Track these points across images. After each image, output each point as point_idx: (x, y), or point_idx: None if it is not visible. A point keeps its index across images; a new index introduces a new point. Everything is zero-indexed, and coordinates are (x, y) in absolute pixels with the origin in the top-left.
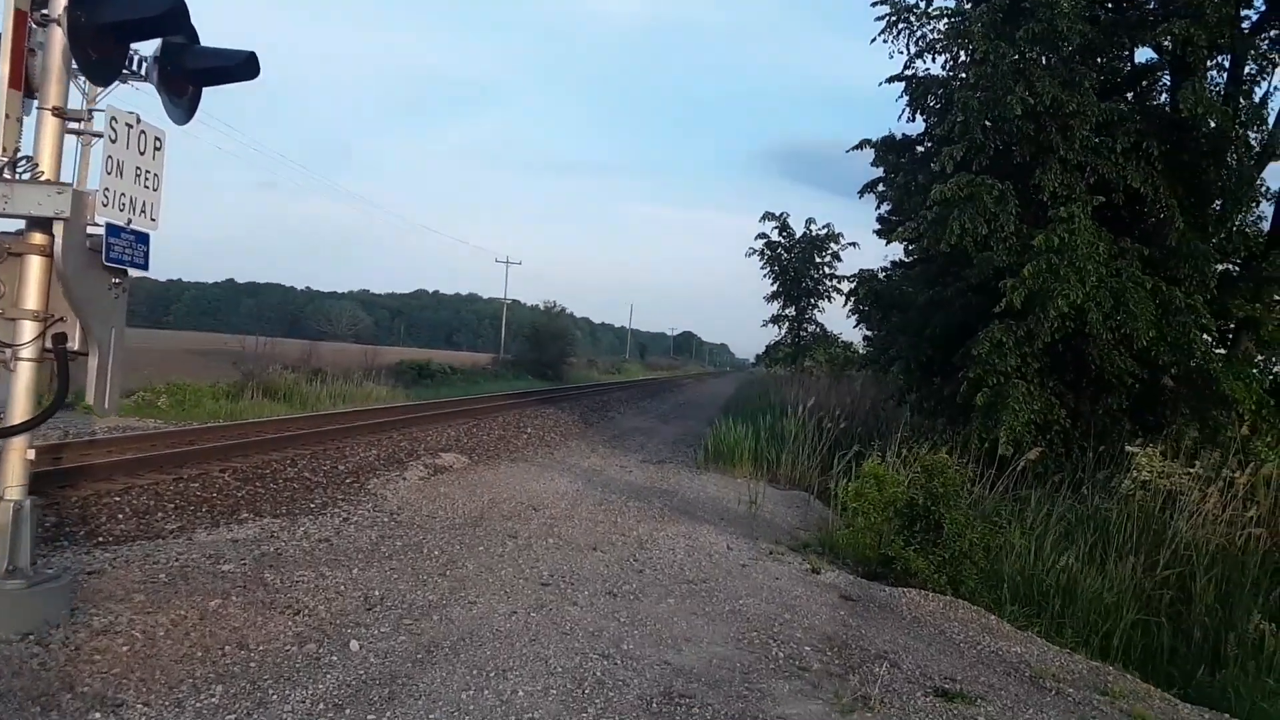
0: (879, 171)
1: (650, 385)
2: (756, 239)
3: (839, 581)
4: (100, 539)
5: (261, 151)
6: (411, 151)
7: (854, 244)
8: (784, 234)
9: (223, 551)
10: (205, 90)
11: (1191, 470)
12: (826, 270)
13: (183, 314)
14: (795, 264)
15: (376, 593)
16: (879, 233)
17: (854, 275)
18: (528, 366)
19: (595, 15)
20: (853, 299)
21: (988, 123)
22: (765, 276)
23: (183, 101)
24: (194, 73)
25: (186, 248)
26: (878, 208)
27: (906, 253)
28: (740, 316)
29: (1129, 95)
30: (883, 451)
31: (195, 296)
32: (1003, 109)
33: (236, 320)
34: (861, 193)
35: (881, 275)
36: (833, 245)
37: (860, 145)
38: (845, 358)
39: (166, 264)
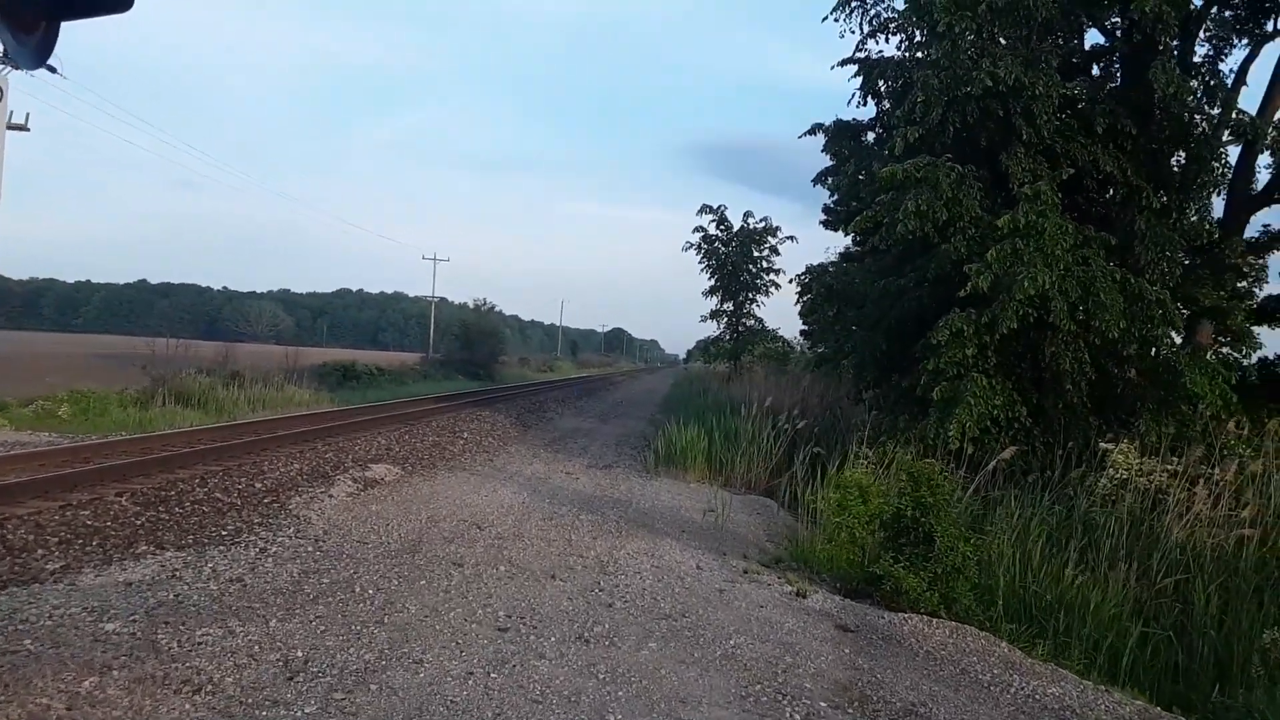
0: (810, 167)
1: (585, 383)
2: (693, 232)
3: (829, 607)
4: None
5: (176, 148)
6: (338, 149)
7: (792, 238)
8: (721, 227)
9: (110, 601)
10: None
11: (1170, 467)
12: (765, 264)
13: (92, 316)
14: (733, 258)
15: (299, 654)
16: (826, 223)
17: (804, 272)
18: (458, 366)
19: (527, 11)
20: (801, 294)
21: (948, 100)
22: (703, 271)
23: (31, 40)
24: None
25: (96, 248)
26: (830, 197)
27: (856, 244)
28: (669, 312)
29: (1085, 78)
30: (842, 452)
31: (106, 298)
32: (969, 85)
33: (150, 322)
34: (815, 181)
35: (830, 268)
36: (770, 239)
37: (813, 130)
38: (784, 353)
39: (75, 266)
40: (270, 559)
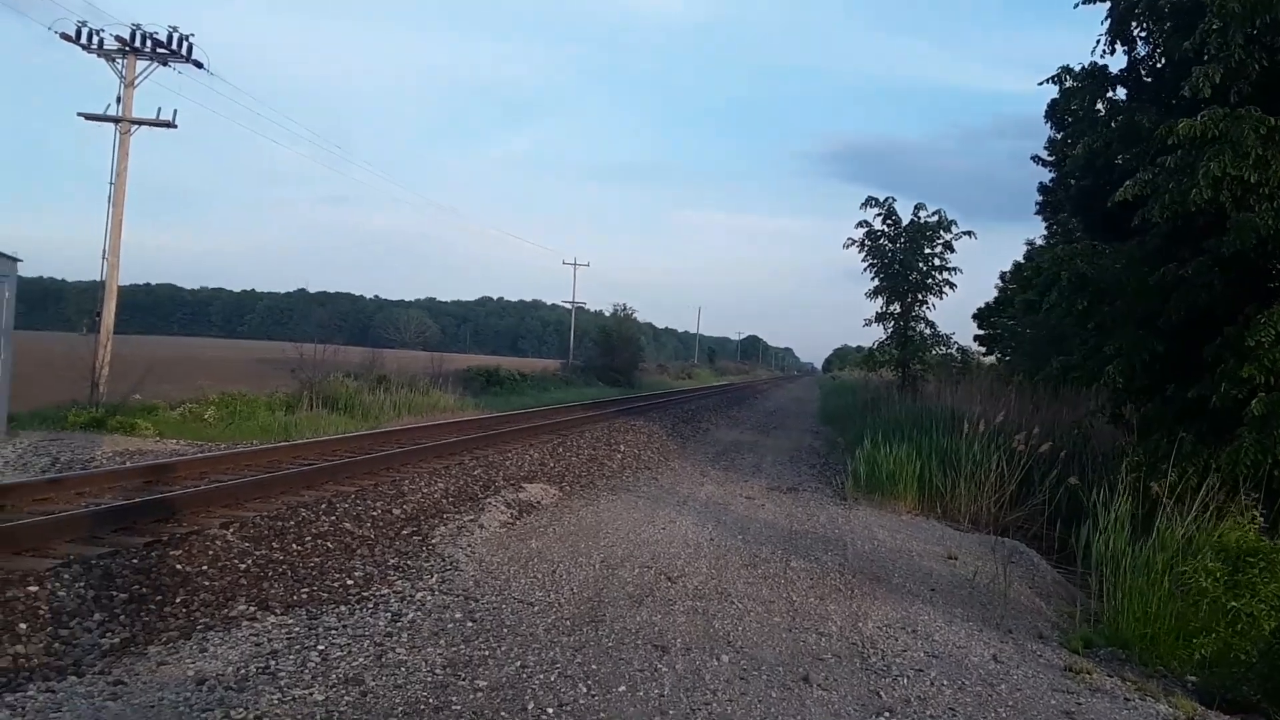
0: (949, 170)
1: (728, 391)
2: (857, 227)
3: None
4: None
5: (329, 162)
6: (474, 161)
7: (969, 233)
8: (889, 222)
9: (162, 712)
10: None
11: None
12: (937, 262)
13: (256, 323)
14: (901, 255)
15: None
16: (1046, 205)
17: (1027, 259)
18: (598, 373)
19: (651, 15)
20: (1016, 289)
21: (1252, 32)
22: (866, 270)
23: None
24: None
25: (259, 259)
26: (1051, 175)
27: (1081, 230)
28: (803, 321)
29: None
30: (1104, 484)
31: (269, 306)
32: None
33: (308, 329)
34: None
35: (1077, 253)
36: (944, 234)
37: (1058, 77)
38: (963, 361)
39: (241, 276)
40: (405, 633)
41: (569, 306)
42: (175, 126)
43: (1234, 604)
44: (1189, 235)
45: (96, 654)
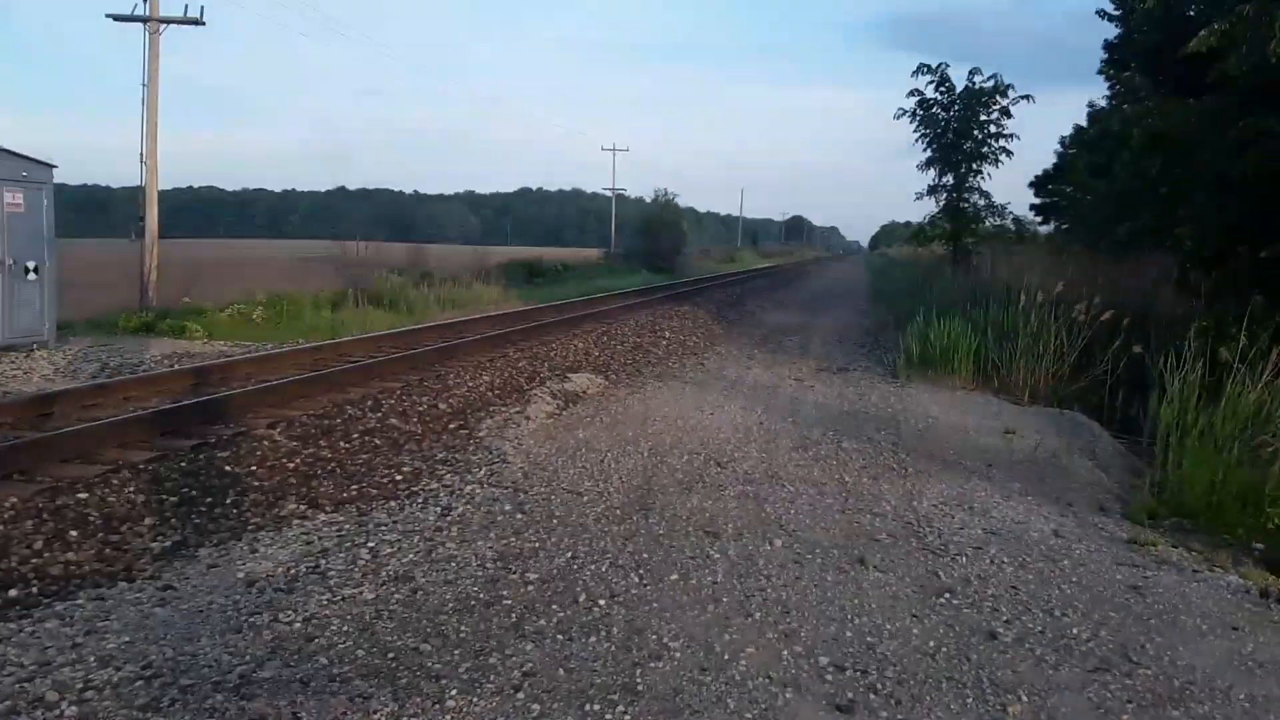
0: (1011, 32)
1: (773, 274)
2: (909, 95)
3: None
4: None
5: (365, 54)
6: (509, 47)
7: (1027, 96)
8: (942, 89)
9: (210, 617)
10: None
11: None
12: (993, 129)
13: (299, 223)
14: (955, 124)
15: None
16: (1111, 63)
17: (1093, 118)
18: (641, 260)
19: None
20: (1079, 151)
21: None
22: (917, 141)
23: None
24: None
25: (299, 157)
26: (1117, 31)
27: (1172, 84)
28: (849, 197)
29: None
30: (1171, 353)
31: (310, 205)
32: None
33: (350, 227)
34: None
35: (1149, 109)
36: (1000, 99)
37: None
38: (1018, 233)
39: (281, 176)
40: (455, 527)
41: (609, 194)
42: (204, 24)
43: None
44: (1270, 91)
45: (147, 558)
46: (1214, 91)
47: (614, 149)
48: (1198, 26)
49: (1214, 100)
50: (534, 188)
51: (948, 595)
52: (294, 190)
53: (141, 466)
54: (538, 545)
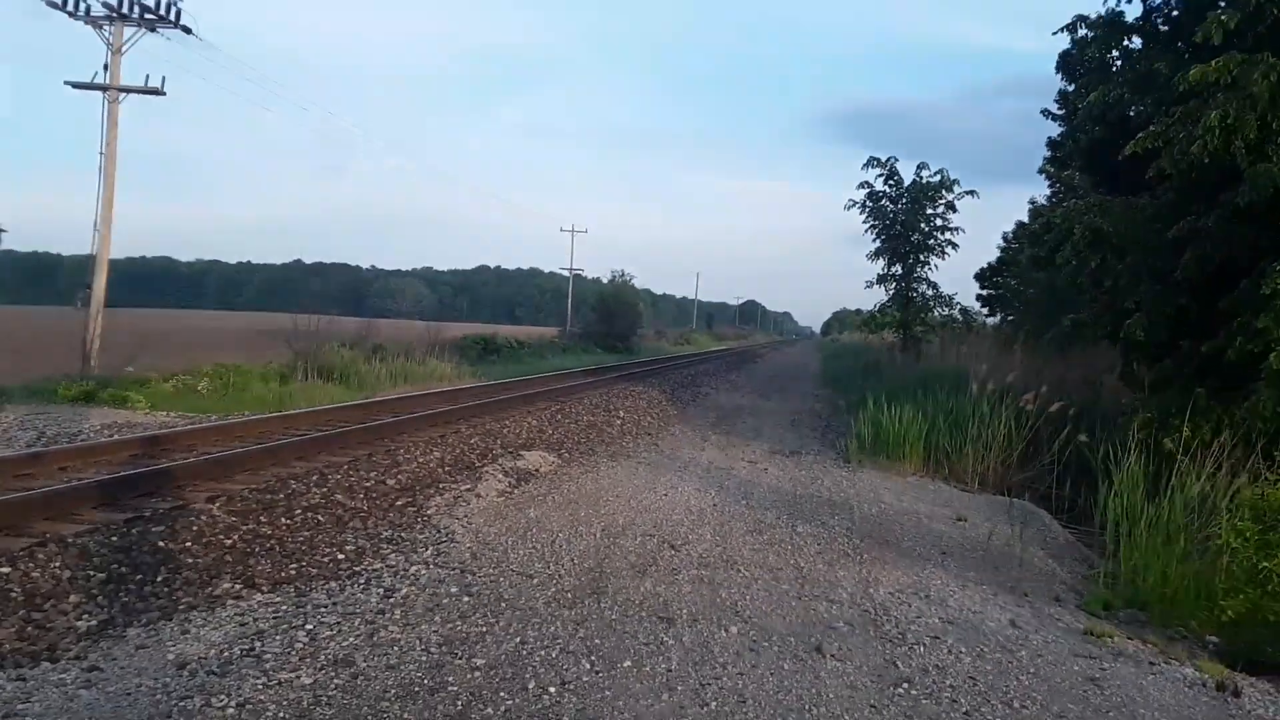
0: (954, 132)
1: (728, 356)
2: (858, 188)
3: None
4: None
5: (326, 132)
6: (473, 131)
7: (972, 192)
8: (890, 182)
9: (138, 700)
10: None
11: None
12: (939, 222)
13: (253, 296)
14: (903, 216)
15: None
16: (1053, 162)
17: (1034, 214)
18: (596, 340)
19: None
20: (1020, 246)
21: None
22: (868, 231)
23: None
24: None
25: (255, 231)
26: (1060, 129)
27: (1110, 181)
28: (801, 285)
29: None
30: (1115, 442)
31: (265, 278)
32: None
33: (305, 301)
34: (1045, 112)
35: (1090, 207)
36: (946, 194)
37: (1072, 26)
38: (965, 322)
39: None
40: (399, 610)
41: (567, 274)
42: (164, 94)
43: (1265, 564)
44: (1203, 188)
45: (73, 637)
46: (1152, 190)
47: (573, 230)
48: (1138, 126)
49: (1152, 198)
50: (492, 265)
51: (906, 685)
52: (249, 263)
53: (71, 540)
54: (485, 629)
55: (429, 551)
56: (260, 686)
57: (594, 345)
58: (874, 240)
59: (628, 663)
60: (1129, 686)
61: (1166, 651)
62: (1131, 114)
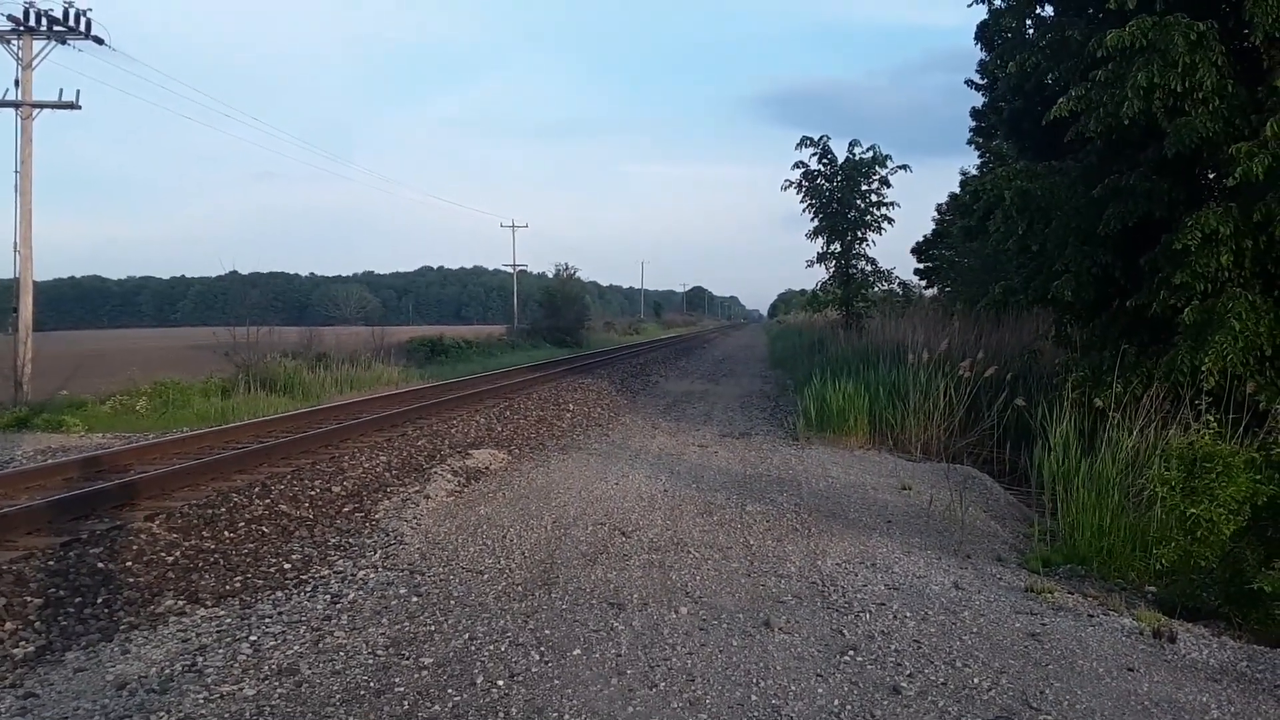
0: (886, 109)
1: (676, 343)
2: (793, 168)
3: (1221, 659)
4: None
5: (257, 139)
6: (405, 127)
7: (904, 166)
8: (824, 161)
9: None
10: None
11: None
12: (874, 198)
13: (189, 310)
14: (839, 194)
15: None
16: (980, 131)
17: (965, 184)
18: (544, 335)
19: None
20: (956, 216)
21: None
22: (805, 210)
23: None
24: None
25: (188, 243)
26: (984, 99)
27: (1035, 147)
28: (746, 268)
29: None
30: (1051, 404)
31: (200, 292)
32: None
33: (243, 313)
34: (969, 82)
35: (1015, 174)
36: (879, 169)
37: None
38: (904, 296)
39: (170, 262)
40: (345, 615)
41: (511, 270)
42: (79, 108)
43: (1193, 510)
44: (1125, 148)
45: (8, 665)
46: (1074, 153)
47: (513, 225)
48: (1058, 92)
49: (1075, 160)
50: (435, 266)
51: (852, 652)
52: (183, 277)
53: (4, 567)
54: (434, 628)
55: (377, 555)
56: (201, 701)
57: (542, 340)
58: (812, 219)
59: (577, 650)
60: (1069, 639)
61: (1105, 603)
62: (1049, 81)
